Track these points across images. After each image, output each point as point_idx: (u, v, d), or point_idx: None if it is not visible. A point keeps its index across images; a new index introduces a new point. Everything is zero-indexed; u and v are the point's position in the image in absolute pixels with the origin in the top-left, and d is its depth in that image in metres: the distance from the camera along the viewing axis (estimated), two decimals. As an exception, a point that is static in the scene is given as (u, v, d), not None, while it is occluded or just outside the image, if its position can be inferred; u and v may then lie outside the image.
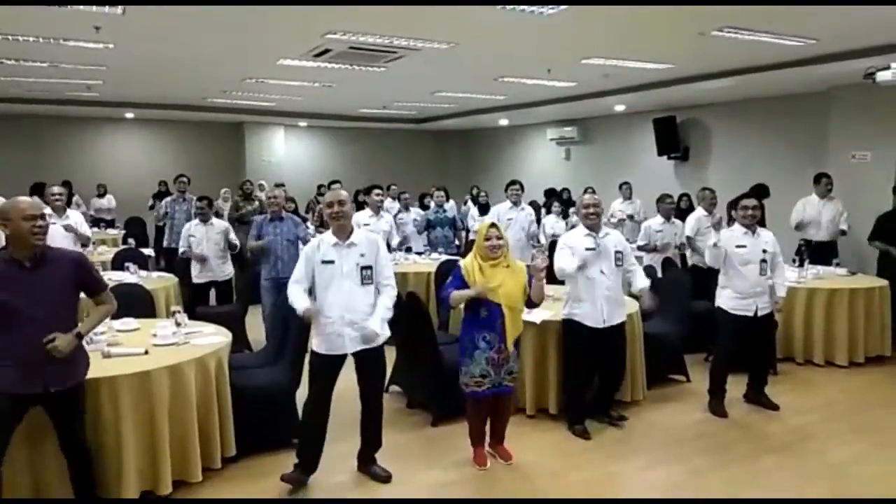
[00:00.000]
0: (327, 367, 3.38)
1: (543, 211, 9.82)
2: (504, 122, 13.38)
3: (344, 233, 3.41)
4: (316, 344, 3.42)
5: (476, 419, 3.68)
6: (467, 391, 3.59)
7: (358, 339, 3.38)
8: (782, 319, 5.48)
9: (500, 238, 3.58)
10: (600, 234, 4.09)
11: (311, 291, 3.51)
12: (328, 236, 3.44)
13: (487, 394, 3.59)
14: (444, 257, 6.98)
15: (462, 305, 3.57)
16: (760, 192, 6.61)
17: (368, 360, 3.43)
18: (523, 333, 4.26)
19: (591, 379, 4.15)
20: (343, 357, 3.42)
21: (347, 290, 3.37)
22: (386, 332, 3.44)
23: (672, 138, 10.55)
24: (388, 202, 9.31)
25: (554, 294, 4.95)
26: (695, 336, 5.44)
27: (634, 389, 4.62)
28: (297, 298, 3.34)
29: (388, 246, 6.43)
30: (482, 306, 3.51)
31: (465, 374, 3.58)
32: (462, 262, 3.64)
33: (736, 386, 4.66)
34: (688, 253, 6.71)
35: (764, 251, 4.43)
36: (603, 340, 4.06)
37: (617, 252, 4.08)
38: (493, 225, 3.61)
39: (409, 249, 7.78)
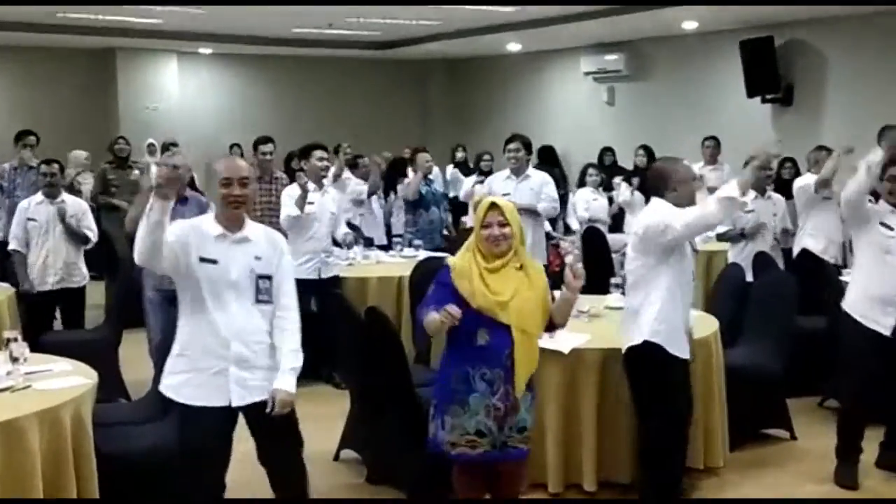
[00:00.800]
0: (206, 427, 3.39)
1: (572, 185, 9.84)
2: (515, 47, 13.41)
3: (235, 221, 3.48)
4: (173, 387, 3.46)
5: (467, 494, 3.69)
6: (453, 453, 3.59)
7: (252, 388, 3.41)
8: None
9: (504, 225, 3.56)
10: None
11: (172, 301, 3.59)
12: (208, 223, 3.49)
13: (486, 459, 3.59)
14: (423, 254, 7.00)
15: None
16: None
17: (269, 419, 3.42)
18: (543, 370, 4.30)
19: (686, 443, 4.19)
20: (229, 414, 3.43)
21: (235, 307, 3.40)
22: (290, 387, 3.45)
23: (769, 71, 10.64)
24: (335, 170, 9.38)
25: (591, 309, 4.98)
26: (804, 370, 5.49)
27: (711, 452, 4.67)
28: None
29: (333, 240, 6.44)
30: (480, 327, 3.52)
31: (452, 429, 3.57)
32: (451, 261, 3.64)
33: (866, 445, 4.71)
34: (798, 234, 6.81)
35: None
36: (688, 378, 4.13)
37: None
38: (494, 204, 3.60)
39: (368, 242, 7.81)
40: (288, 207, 6.10)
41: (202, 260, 3.41)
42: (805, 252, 6.70)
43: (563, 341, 4.37)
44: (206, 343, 3.40)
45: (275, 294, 3.50)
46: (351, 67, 14.81)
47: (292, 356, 3.47)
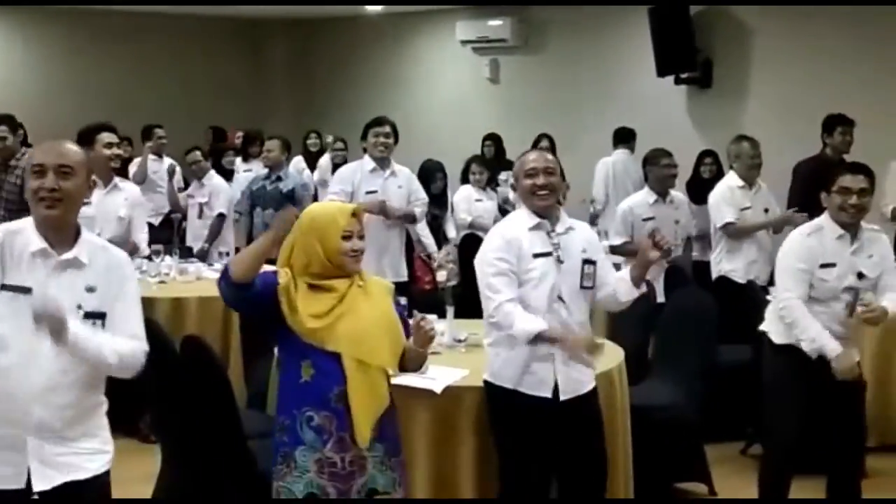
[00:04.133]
0: None
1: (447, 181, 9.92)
2: (374, 7, 13.46)
3: (62, 234, 3.22)
4: None
5: None
6: None
7: (62, 463, 3.19)
8: (874, 376, 5.86)
9: (362, 237, 3.68)
10: (559, 226, 4.22)
11: None
12: (26, 232, 3.19)
13: None
14: (265, 267, 6.96)
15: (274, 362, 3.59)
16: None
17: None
18: (410, 414, 4.35)
19: (542, 490, 4.26)
20: (23, 498, 3.18)
21: (46, 358, 3.11)
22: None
23: (683, 45, 10.89)
24: (150, 163, 9.25)
25: (469, 337, 5.06)
26: (724, 410, 5.69)
27: (614, 511, 4.78)
28: None
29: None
30: (303, 359, 3.55)
31: (278, 493, 3.60)
32: (280, 274, 3.64)
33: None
34: (713, 255, 7.03)
35: (860, 275, 4.63)
36: (558, 423, 4.18)
37: (585, 263, 4.21)
38: (354, 212, 3.68)
39: (186, 252, 7.71)
40: None
41: (5, 288, 3.10)
42: (722, 279, 6.93)
43: (435, 378, 4.41)
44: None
45: (113, 329, 3.22)
46: (165, 27, 14.55)
47: (107, 338, 3.16)
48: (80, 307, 3.16)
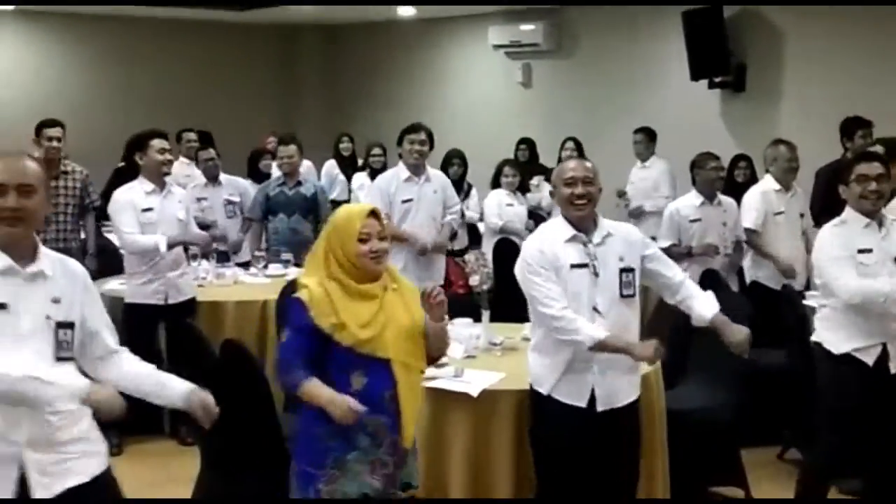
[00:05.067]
0: None
1: (473, 187, 9.90)
2: (407, 11, 13.48)
3: (22, 249, 3.20)
4: None
5: None
6: None
7: (61, 472, 3.20)
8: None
9: (384, 238, 3.69)
10: (596, 236, 4.19)
11: None
12: None
13: None
14: (294, 271, 6.99)
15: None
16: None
17: None
18: (447, 418, 4.39)
19: (578, 495, 4.25)
20: None
21: (29, 369, 3.11)
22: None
23: (717, 49, 10.87)
24: (176, 166, 9.23)
25: (505, 340, 5.06)
26: (761, 414, 5.66)
27: (651, 513, 4.78)
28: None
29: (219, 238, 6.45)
30: (354, 369, 3.59)
31: (328, 495, 3.63)
32: (302, 295, 3.64)
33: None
34: (746, 260, 7.01)
35: None
36: (593, 433, 4.17)
37: (623, 272, 4.17)
38: (373, 212, 3.70)
39: (223, 256, 7.74)
40: (127, 221, 6.09)
41: None
42: (755, 284, 6.91)
43: (471, 381, 4.44)
44: None
45: (86, 349, 3.31)
46: (198, 33, 14.63)
47: (161, 374, 3.44)
48: (48, 317, 3.19)
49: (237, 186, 8.48)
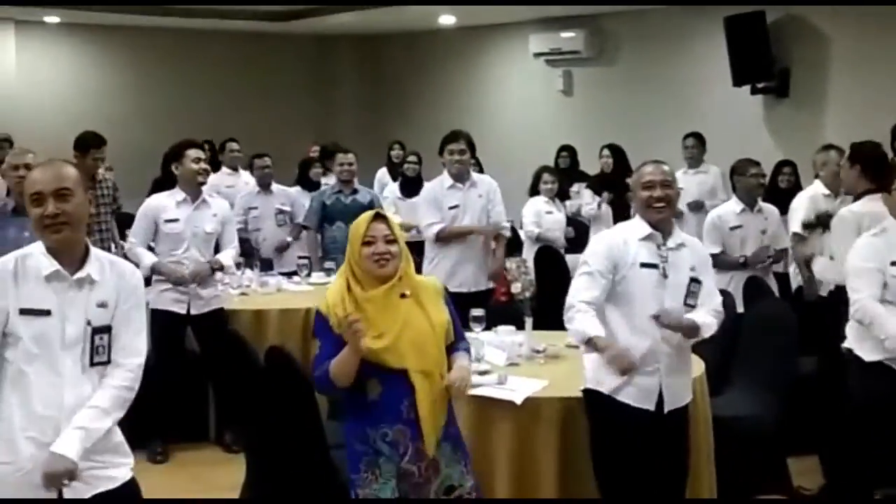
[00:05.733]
0: None
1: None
2: (448, 20, 13.50)
3: (71, 255, 3.25)
4: None
5: None
6: None
7: (93, 477, 3.25)
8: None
9: (391, 241, 3.66)
10: (671, 241, 4.19)
11: None
12: (38, 257, 3.24)
13: None
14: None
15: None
16: None
17: None
18: (491, 426, 4.37)
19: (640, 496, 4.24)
20: None
21: (68, 376, 3.20)
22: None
23: (759, 54, 10.83)
24: (218, 176, 9.29)
25: (549, 348, 5.05)
26: (806, 422, 5.60)
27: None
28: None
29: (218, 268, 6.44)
30: (369, 378, 3.60)
31: (365, 499, 3.65)
32: (321, 306, 3.69)
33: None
34: (791, 268, 6.94)
35: None
36: (663, 435, 4.17)
37: (693, 282, 4.18)
38: (379, 215, 3.72)
39: (266, 265, 7.78)
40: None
41: (24, 312, 3.17)
42: (801, 290, 6.79)
43: (514, 389, 4.43)
44: (31, 427, 3.17)
45: (115, 347, 3.30)
46: (239, 44, 14.73)
47: (92, 414, 3.19)
48: (89, 323, 3.23)
49: (288, 196, 8.54)
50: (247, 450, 4.97)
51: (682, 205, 8.95)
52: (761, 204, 6.78)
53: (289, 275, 7.57)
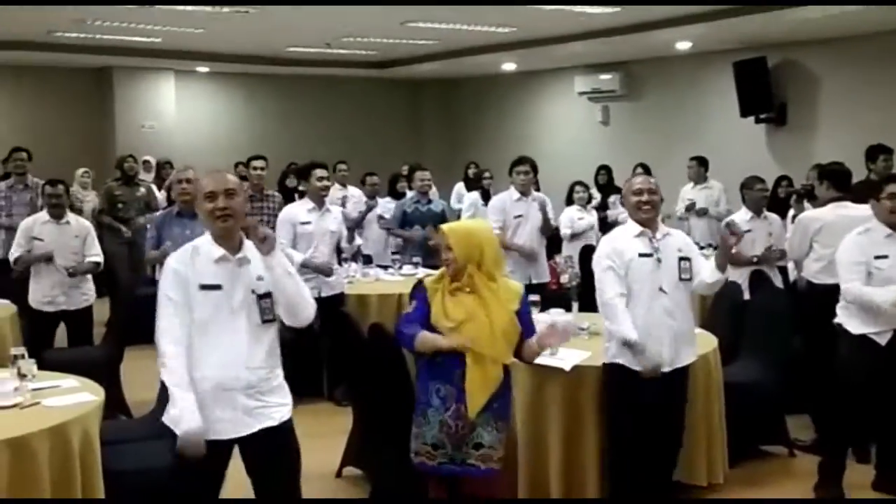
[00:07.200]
0: (208, 462, 3.25)
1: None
2: (510, 66, 13.53)
3: (232, 241, 3.32)
4: (172, 420, 3.23)
5: None
6: (416, 461, 3.67)
7: (259, 414, 3.29)
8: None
9: (449, 249, 3.67)
10: (658, 234, 4.19)
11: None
12: (207, 244, 3.33)
13: (444, 472, 3.64)
14: (422, 272, 7.05)
15: None
16: None
17: (273, 445, 3.34)
18: (545, 387, 4.38)
19: (645, 451, 4.22)
20: (229, 445, 3.31)
21: (240, 333, 3.27)
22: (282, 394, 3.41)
23: (762, 91, 10.75)
24: (332, 191, 9.35)
25: (591, 326, 5.04)
26: (803, 388, 5.54)
27: (712, 468, 4.71)
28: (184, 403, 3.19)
29: (339, 252, 6.49)
30: None
31: (416, 437, 3.67)
32: (427, 281, 3.73)
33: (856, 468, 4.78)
34: (790, 263, 6.83)
35: None
36: (665, 392, 4.15)
37: (682, 260, 4.20)
38: (443, 230, 3.76)
39: (368, 260, 7.85)
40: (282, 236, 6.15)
41: (203, 287, 3.26)
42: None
43: (564, 359, 4.43)
44: (214, 374, 3.25)
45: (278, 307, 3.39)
46: (347, 86, 14.88)
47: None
48: (254, 291, 3.31)
49: (387, 206, 8.62)
50: (353, 404, 5.03)
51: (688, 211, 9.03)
52: (766, 213, 6.69)
53: (384, 267, 7.63)
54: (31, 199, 7.92)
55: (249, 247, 3.34)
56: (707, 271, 4.24)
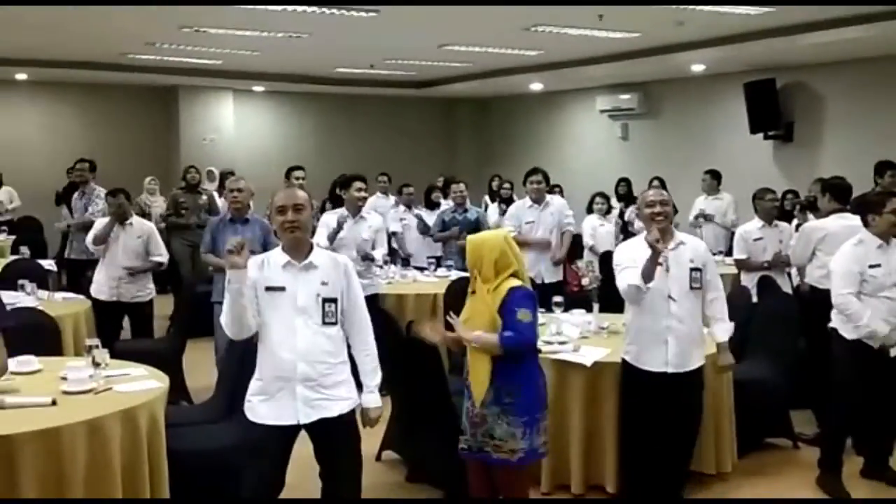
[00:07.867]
0: (272, 443, 3.34)
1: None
2: (537, 86, 13.49)
3: (299, 250, 3.40)
4: (251, 408, 3.38)
5: (472, 487, 3.74)
6: (459, 445, 3.73)
7: (318, 406, 3.34)
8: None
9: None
10: (671, 244, 4.11)
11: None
12: (277, 253, 3.44)
13: (467, 456, 3.68)
14: (455, 274, 7.05)
15: None
16: None
17: (333, 435, 3.39)
18: (567, 381, 4.36)
19: (655, 446, 4.16)
20: (295, 429, 3.38)
21: (303, 330, 3.33)
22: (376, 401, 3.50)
23: (770, 110, 10.64)
24: (373, 199, 9.40)
25: (610, 325, 5.01)
26: (806, 385, 5.48)
27: (721, 458, 4.68)
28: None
29: (370, 259, 6.44)
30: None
31: (462, 423, 3.73)
32: None
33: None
34: (794, 269, 6.75)
35: None
36: (670, 392, 4.09)
37: (693, 270, 4.10)
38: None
39: (406, 262, 7.85)
40: (320, 236, 6.10)
41: (269, 289, 3.34)
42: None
43: (585, 355, 4.43)
44: (276, 366, 3.33)
45: (348, 316, 3.44)
46: (388, 104, 14.92)
47: (373, 374, 3.51)
48: (318, 295, 3.36)
49: (423, 214, 8.64)
50: (391, 394, 5.03)
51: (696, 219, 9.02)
52: (777, 222, 6.61)
53: (421, 269, 7.64)
54: (84, 205, 8.02)
55: (317, 254, 3.42)
56: (720, 332, 4.20)
